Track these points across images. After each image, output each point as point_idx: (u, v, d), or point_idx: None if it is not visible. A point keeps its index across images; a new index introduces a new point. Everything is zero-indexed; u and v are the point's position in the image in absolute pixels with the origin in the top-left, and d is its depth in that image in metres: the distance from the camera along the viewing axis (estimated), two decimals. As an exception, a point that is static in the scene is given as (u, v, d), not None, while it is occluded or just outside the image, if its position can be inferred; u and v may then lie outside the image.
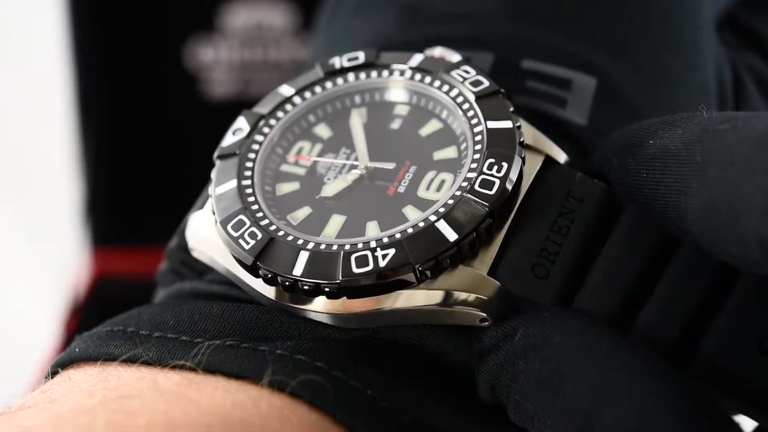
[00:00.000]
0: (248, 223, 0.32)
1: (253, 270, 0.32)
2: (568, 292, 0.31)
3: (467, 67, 0.35)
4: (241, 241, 0.32)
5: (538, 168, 0.32)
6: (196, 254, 0.35)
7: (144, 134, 0.77)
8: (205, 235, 0.34)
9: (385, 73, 0.36)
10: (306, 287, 0.31)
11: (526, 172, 0.32)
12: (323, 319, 0.33)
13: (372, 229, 0.32)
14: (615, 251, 0.31)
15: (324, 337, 0.33)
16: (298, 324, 0.33)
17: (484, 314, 0.31)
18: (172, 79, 0.75)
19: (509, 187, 0.31)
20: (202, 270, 0.37)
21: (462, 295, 0.30)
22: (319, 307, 0.32)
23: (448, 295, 0.31)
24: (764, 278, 0.30)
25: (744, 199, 0.27)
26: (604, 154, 0.34)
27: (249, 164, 0.34)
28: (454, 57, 0.36)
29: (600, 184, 0.32)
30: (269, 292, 0.33)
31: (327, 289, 0.31)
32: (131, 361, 0.33)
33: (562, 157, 0.34)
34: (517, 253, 0.31)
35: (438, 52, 0.36)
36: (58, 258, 0.84)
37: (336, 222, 0.33)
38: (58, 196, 0.84)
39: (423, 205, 0.32)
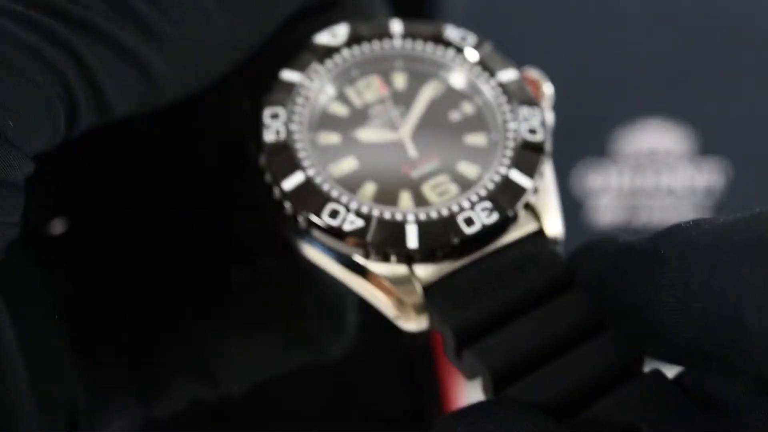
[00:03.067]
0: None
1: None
2: (475, 332, 0.32)
3: (541, 118, 0.37)
4: None
5: (524, 234, 0.34)
6: None
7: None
8: None
9: (476, 66, 0.37)
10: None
11: (512, 230, 0.34)
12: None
13: (368, 190, 0.34)
14: (538, 321, 0.32)
15: None
16: None
17: (398, 312, 0.33)
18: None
19: (487, 233, 0.33)
20: None
21: (388, 287, 0.33)
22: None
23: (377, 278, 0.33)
24: None
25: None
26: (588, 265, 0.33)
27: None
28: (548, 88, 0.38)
29: (563, 263, 0.33)
30: None
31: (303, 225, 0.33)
32: None
33: (554, 230, 0.34)
34: (451, 279, 0.33)
35: (534, 74, 0.38)
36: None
37: (348, 165, 0.34)
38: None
39: (420, 199, 0.34)
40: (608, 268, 0.31)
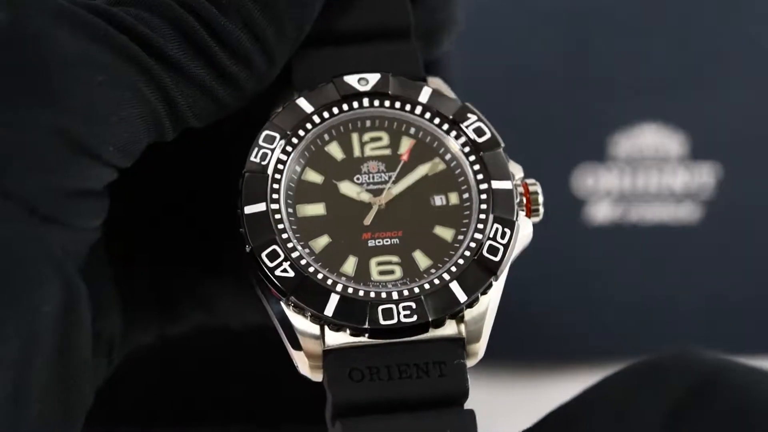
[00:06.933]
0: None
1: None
2: (354, 410, 0.32)
3: (510, 239, 0.35)
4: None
5: (443, 336, 0.34)
6: None
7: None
8: None
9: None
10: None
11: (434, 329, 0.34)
12: None
13: (320, 242, 0.34)
14: (418, 426, 0.32)
15: None
16: None
17: (295, 358, 0.33)
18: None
19: (402, 330, 0.33)
20: None
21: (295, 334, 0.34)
22: None
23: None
24: None
25: None
26: None
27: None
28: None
29: (466, 380, 0.33)
30: None
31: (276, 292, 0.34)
32: None
33: (475, 349, 0.34)
34: (353, 352, 0.33)
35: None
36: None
37: (315, 209, 0.35)
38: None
39: (361, 271, 0.34)
40: None
